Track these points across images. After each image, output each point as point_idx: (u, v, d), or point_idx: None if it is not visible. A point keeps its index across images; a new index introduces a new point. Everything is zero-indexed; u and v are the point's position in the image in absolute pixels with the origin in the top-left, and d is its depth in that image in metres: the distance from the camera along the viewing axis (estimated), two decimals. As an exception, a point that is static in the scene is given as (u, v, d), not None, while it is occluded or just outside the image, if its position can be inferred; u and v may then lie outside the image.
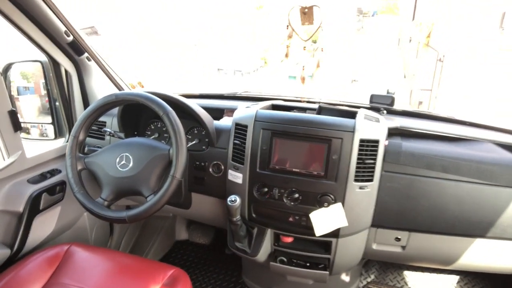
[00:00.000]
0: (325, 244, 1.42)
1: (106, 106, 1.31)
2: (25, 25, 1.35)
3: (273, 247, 1.47)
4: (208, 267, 2.07)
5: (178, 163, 1.22)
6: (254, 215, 1.42)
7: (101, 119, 1.64)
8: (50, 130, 1.78)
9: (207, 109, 1.54)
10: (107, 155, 1.31)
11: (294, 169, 1.32)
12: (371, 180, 1.29)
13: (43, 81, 1.71)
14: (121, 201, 1.85)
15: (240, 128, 1.40)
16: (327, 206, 1.30)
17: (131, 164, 1.27)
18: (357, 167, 1.27)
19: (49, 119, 1.78)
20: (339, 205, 1.30)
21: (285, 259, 1.46)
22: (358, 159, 1.27)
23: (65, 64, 1.57)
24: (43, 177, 1.48)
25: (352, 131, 1.27)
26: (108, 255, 1.38)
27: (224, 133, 1.49)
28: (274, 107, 1.58)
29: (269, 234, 1.45)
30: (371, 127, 1.30)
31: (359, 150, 1.27)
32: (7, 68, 1.64)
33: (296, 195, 1.32)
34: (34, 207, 1.40)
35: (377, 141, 1.28)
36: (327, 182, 1.29)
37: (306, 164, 1.32)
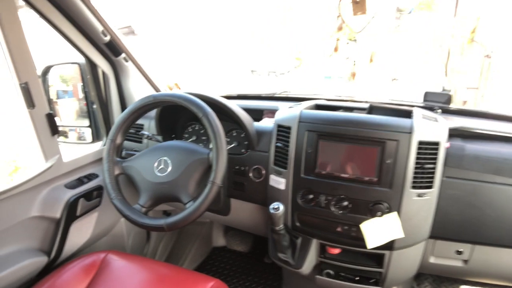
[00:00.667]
0: (376, 257, 1.30)
1: (143, 108, 1.25)
2: (63, 25, 1.32)
3: (318, 259, 1.36)
4: (246, 276, 1.98)
5: (218, 168, 1.14)
6: (298, 224, 1.31)
7: (139, 122, 1.60)
8: (88, 133, 1.76)
9: (245, 110, 1.46)
10: (145, 159, 1.25)
11: (342, 175, 1.21)
12: (430, 187, 1.16)
13: (81, 84, 1.69)
14: (159, 206, 1.80)
15: (283, 130, 1.31)
16: (380, 216, 1.18)
17: (169, 169, 1.21)
18: (415, 173, 1.14)
19: (86, 122, 1.76)
20: (394, 214, 1.17)
21: (332, 272, 1.34)
22: (416, 163, 1.14)
23: (102, 65, 1.53)
24: (80, 182, 1.45)
25: (409, 132, 1.14)
26: (145, 264, 1.32)
27: (265, 135, 1.39)
28: (318, 107, 1.47)
29: (314, 244, 1.34)
30: (430, 128, 1.17)
31: (417, 153, 1.14)
32: (46, 71, 1.63)
33: (345, 203, 1.21)
34: (71, 213, 1.37)
35: (437, 143, 1.14)
36: (380, 189, 1.17)
37: (356, 169, 1.20)
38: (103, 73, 1.56)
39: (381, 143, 1.16)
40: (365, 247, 1.21)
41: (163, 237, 2.01)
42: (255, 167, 1.39)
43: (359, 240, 1.22)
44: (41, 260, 1.28)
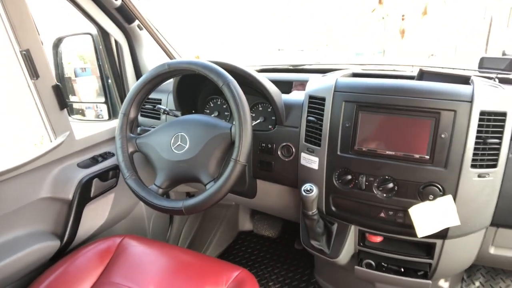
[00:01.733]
0: (426, 246, 1.13)
1: (157, 78, 1.11)
2: None
3: (357, 248, 1.20)
4: (275, 263, 1.85)
5: (242, 144, 0.99)
6: (334, 209, 1.15)
7: (156, 96, 1.47)
8: (104, 110, 1.65)
9: (272, 82, 1.29)
10: (160, 135, 1.12)
11: (387, 152, 1.03)
12: (494, 166, 0.97)
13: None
14: (180, 187, 1.68)
15: (316, 102, 1.14)
16: (432, 200, 1.00)
17: (187, 146, 1.07)
18: (475, 149, 0.95)
19: (103, 98, 1.65)
20: (449, 198, 0.99)
21: (372, 263, 1.18)
22: (477, 137, 0.95)
23: (115, 34, 1.40)
24: (94, 161, 1.34)
25: (470, 100, 0.95)
26: (165, 250, 1.20)
27: (295, 108, 1.23)
28: (356, 76, 1.29)
29: (352, 231, 1.18)
30: (495, 95, 0.97)
31: (479, 126, 0.94)
32: (57, 43, 1.51)
33: (391, 185, 1.03)
34: (84, 194, 1.26)
35: (504, 114, 0.95)
36: (433, 169, 0.99)
37: (404, 145, 1.02)
38: (116, 43, 1.43)
39: (435, 114, 0.97)
40: (413, 235, 1.04)
41: (187, 220, 1.90)
42: (283, 144, 1.23)
43: (406, 227, 1.05)
44: (54, 244, 1.19)
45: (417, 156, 1.00)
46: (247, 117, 1.00)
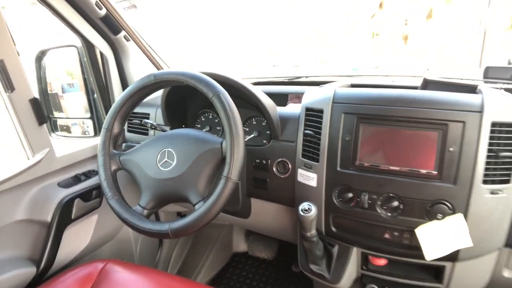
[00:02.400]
0: (435, 270, 1.04)
1: (143, 89, 1.04)
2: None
3: (360, 271, 1.11)
4: (271, 287, 1.74)
5: (234, 160, 0.91)
6: (334, 229, 1.07)
7: (144, 110, 1.40)
8: (90, 126, 1.57)
9: (267, 95, 1.22)
10: (146, 152, 1.04)
11: (391, 167, 0.96)
12: (507, 182, 0.89)
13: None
14: (170, 206, 1.59)
15: (313, 114, 1.07)
16: (441, 219, 0.92)
17: (174, 162, 0.99)
18: (487, 163, 0.88)
19: (89, 114, 1.57)
20: (459, 217, 0.91)
21: (376, 288, 1.09)
22: (489, 151, 0.87)
23: (100, 45, 1.33)
24: (76, 180, 1.25)
25: (480, 110, 0.88)
26: (152, 276, 1.10)
27: (291, 122, 1.15)
28: (355, 87, 1.22)
29: (354, 254, 1.09)
30: (507, 105, 0.90)
31: (490, 138, 0.87)
32: (41, 55, 1.44)
33: (395, 203, 0.95)
34: (65, 216, 1.17)
35: None
36: (442, 185, 0.91)
37: (409, 160, 0.94)
38: (102, 55, 1.36)
39: (442, 125, 0.90)
40: (420, 257, 0.96)
41: (177, 243, 1.80)
42: (279, 160, 1.15)
43: (413, 249, 0.96)
44: (29, 271, 1.09)
45: (423, 171, 0.93)
46: (239, 130, 0.92)
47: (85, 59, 1.37)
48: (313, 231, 0.99)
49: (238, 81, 1.13)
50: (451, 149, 0.90)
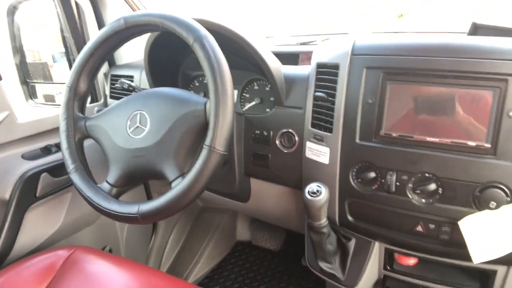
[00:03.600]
0: (481, 274, 0.81)
1: (112, 38, 0.83)
2: None
3: (382, 272, 0.89)
4: (278, 283, 1.53)
5: (219, 125, 0.69)
6: (351, 219, 0.84)
7: (127, 72, 1.20)
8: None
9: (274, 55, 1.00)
10: (115, 115, 0.84)
11: (428, 138, 0.72)
12: None
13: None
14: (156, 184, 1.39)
15: (327, 72, 0.84)
16: (495, 208, 0.68)
17: (147, 128, 0.79)
18: None
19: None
20: None
21: (403, 294, 0.87)
22: None
23: None
24: (46, 151, 1.07)
25: None
26: (129, 269, 0.91)
27: (299, 83, 0.93)
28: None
29: (376, 250, 0.87)
30: None
31: None
32: (13, 9, 1.25)
33: (433, 186, 0.72)
34: (27, 193, 0.99)
35: None
36: (497, 163, 0.67)
37: (453, 129, 0.70)
38: (77, 6, 1.15)
39: (500, 81, 0.66)
40: (464, 258, 0.73)
41: (174, 227, 1.61)
42: (283, 131, 0.93)
43: (454, 246, 0.74)
44: None
45: (472, 144, 0.69)
46: (226, 86, 0.70)
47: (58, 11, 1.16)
48: (323, 220, 0.77)
49: (236, 31, 0.91)
50: (511, 113, 0.66)
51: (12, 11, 1.24)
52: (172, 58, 1.10)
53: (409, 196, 0.75)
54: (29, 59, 1.52)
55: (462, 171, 0.70)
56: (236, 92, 1.08)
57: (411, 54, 0.73)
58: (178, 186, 0.72)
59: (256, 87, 1.06)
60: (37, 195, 1.01)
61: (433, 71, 0.70)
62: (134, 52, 1.32)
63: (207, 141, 0.70)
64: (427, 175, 0.72)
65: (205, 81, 1.14)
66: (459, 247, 0.72)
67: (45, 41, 1.62)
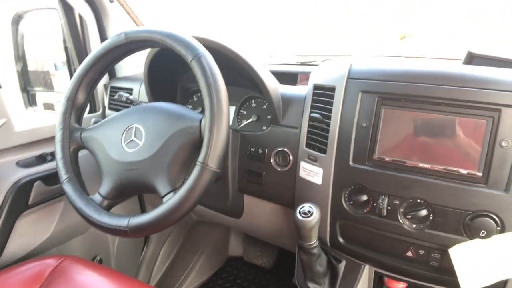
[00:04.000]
0: None
1: (113, 51, 0.85)
2: None
3: None
4: (268, 300, 1.52)
5: (213, 143, 0.70)
6: (341, 241, 0.84)
7: (126, 85, 1.20)
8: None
9: (273, 74, 1.01)
10: (111, 128, 0.84)
11: (421, 164, 0.73)
12: None
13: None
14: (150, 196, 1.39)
15: (323, 93, 0.85)
16: (485, 237, 0.68)
17: (142, 142, 0.79)
18: None
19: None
20: (510, 236, 0.67)
21: (392, 320, 0.86)
22: None
23: (79, 7, 1.14)
24: (41, 159, 1.07)
25: None
26: (116, 281, 0.90)
27: (296, 104, 0.94)
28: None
29: (366, 273, 0.87)
30: None
31: None
32: (18, 18, 1.27)
33: (424, 212, 0.72)
34: (19, 201, 0.99)
35: None
36: (488, 192, 0.68)
37: (445, 156, 0.71)
38: (81, 18, 1.17)
39: (493, 111, 0.67)
40: (452, 285, 0.73)
41: (166, 240, 1.60)
42: (278, 149, 0.93)
43: (444, 273, 0.74)
44: None
45: (464, 172, 0.69)
46: (222, 104, 0.71)
47: (61, 22, 1.18)
48: (314, 241, 0.77)
49: (234, 50, 0.92)
50: (503, 143, 0.66)
51: (17, 20, 1.26)
52: (171, 73, 1.11)
53: (400, 221, 0.75)
54: (31, 67, 1.54)
55: (453, 199, 0.70)
56: (233, 108, 1.09)
57: (406, 81, 0.74)
58: (169, 201, 0.72)
59: (253, 105, 1.07)
60: (30, 203, 1.01)
61: (428, 98, 0.71)
62: (135, 65, 1.34)
63: (200, 157, 0.70)
64: (418, 200, 0.73)
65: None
66: (448, 274, 0.72)
67: (47, 50, 1.64)
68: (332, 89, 0.82)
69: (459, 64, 0.83)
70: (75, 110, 0.88)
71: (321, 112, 0.84)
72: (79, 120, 0.90)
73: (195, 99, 1.17)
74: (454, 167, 0.70)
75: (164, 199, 0.74)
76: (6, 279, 0.87)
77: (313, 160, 0.85)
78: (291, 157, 0.92)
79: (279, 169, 0.94)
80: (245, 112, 1.08)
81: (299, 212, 0.74)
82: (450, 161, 0.71)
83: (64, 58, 1.65)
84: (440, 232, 0.72)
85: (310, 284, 0.87)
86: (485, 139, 0.68)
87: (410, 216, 0.73)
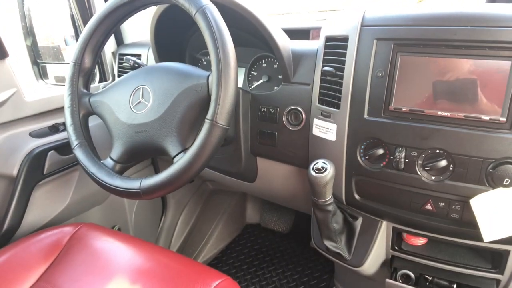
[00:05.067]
0: (493, 255, 0.78)
1: (116, 12, 0.82)
2: None
3: (390, 253, 0.87)
4: (286, 264, 1.53)
5: (221, 98, 0.68)
6: (357, 197, 0.82)
7: (134, 51, 1.18)
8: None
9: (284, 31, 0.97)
10: (119, 90, 0.83)
11: (440, 113, 0.69)
12: None
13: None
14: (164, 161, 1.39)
15: (335, 45, 0.81)
16: (508, 185, 0.65)
17: (150, 103, 0.77)
18: None
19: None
20: None
21: (411, 275, 0.84)
22: None
23: None
24: (54, 129, 1.07)
25: None
26: (133, 245, 0.91)
27: (307, 59, 0.90)
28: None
29: (383, 230, 0.85)
30: None
31: None
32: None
33: (443, 163, 0.69)
34: (34, 171, 0.99)
35: None
36: (511, 137, 0.64)
37: (466, 103, 0.67)
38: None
39: None
40: (474, 238, 0.71)
41: (184, 208, 1.61)
42: (290, 108, 0.91)
43: (465, 225, 0.71)
44: None
45: (486, 118, 0.66)
46: (229, 57, 0.68)
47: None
48: (328, 198, 0.75)
49: (242, 4, 0.88)
50: None
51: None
52: (178, 36, 1.08)
53: (419, 173, 0.72)
54: (42, 43, 1.52)
55: (474, 147, 0.67)
56: (243, 70, 1.06)
57: (424, 24, 0.69)
58: (180, 161, 0.70)
59: (263, 65, 1.04)
60: (45, 172, 1.02)
61: (448, 42, 0.67)
62: (143, 31, 1.32)
63: (209, 115, 0.68)
64: (437, 151, 0.69)
65: None
66: (470, 226, 0.70)
67: (57, 25, 1.63)
68: (345, 39, 0.78)
69: (481, 3, 0.77)
70: (82, 75, 0.87)
71: (334, 65, 0.80)
72: (87, 85, 0.89)
73: (204, 62, 1.14)
74: (476, 114, 0.66)
75: (175, 159, 0.73)
76: (26, 247, 0.89)
77: (326, 116, 0.82)
78: (303, 115, 0.89)
79: (291, 129, 0.91)
80: (255, 73, 1.05)
81: (313, 168, 0.72)
82: (471, 108, 0.67)
83: (73, 33, 1.63)
84: (461, 183, 0.69)
85: (326, 242, 0.86)
86: (509, 82, 0.63)
87: (428, 168, 0.70)
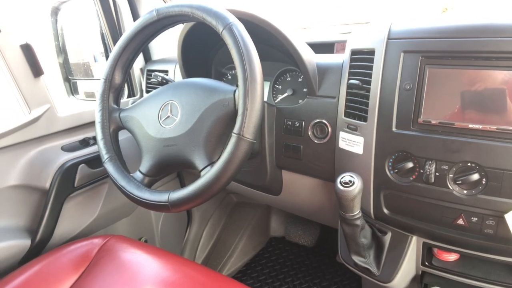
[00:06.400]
0: None
1: (145, 30, 0.85)
2: None
3: (420, 268, 0.84)
4: (312, 279, 1.50)
5: (248, 112, 0.69)
6: (386, 211, 0.81)
7: (162, 67, 1.21)
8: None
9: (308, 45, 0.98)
10: (148, 106, 0.86)
11: (471, 125, 0.67)
12: None
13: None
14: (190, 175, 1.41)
15: (361, 58, 0.81)
16: (546, 200, 0.63)
17: (178, 118, 0.79)
18: None
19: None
20: None
21: (443, 292, 0.82)
22: None
23: None
24: (84, 143, 1.11)
25: None
26: (161, 258, 0.92)
27: (332, 72, 0.90)
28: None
29: (414, 245, 0.83)
30: None
31: None
32: (56, 10, 1.30)
33: (475, 177, 0.67)
34: (65, 183, 1.03)
35: None
36: None
37: (498, 115, 0.66)
38: (115, 3, 1.18)
39: None
40: (510, 254, 0.68)
41: (208, 222, 1.62)
42: (316, 121, 0.91)
43: (499, 241, 0.69)
44: (22, 244, 0.96)
45: None
46: (255, 73, 0.69)
47: (96, 8, 1.21)
48: (356, 212, 0.74)
49: (267, 20, 0.90)
50: None
51: (55, 11, 1.30)
52: (204, 52, 1.11)
53: (450, 187, 0.70)
54: (73, 60, 1.59)
55: (509, 160, 0.65)
56: (268, 84, 1.07)
57: (452, 36, 0.68)
58: (207, 174, 0.71)
59: (288, 78, 1.05)
60: (75, 185, 1.05)
61: (477, 53, 0.66)
62: (170, 47, 1.35)
63: (236, 129, 0.69)
64: (469, 164, 0.68)
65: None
66: (504, 242, 0.67)
67: (87, 42, 1.69)
68: (371, 52, 0.78)
69: (510, 13, 0.76)
70: (112, 91, 0.90)
71: (360, 78, 0.80)
72: (117, 100, 0.92)
73: (229, 76, 1.16)
74: (509, 126, 0.65)
75: (202, 172, 0.74)
76: (57, 258, 0.91)
77: (353, 129, 0.82)
78: (329, 128, 0.89)
79: (317, 142, 0.91)
80: (280, 87, 1.06)
81: (340, 182, 0.72)
82: (503, 120, 0.65)
83: (103, 50, 1.69)
84: (495, 197, 0.67)
85: (354, 257, 0.84)
86: (545, 94, 0.62)
87: (460, 182, 0.69)
